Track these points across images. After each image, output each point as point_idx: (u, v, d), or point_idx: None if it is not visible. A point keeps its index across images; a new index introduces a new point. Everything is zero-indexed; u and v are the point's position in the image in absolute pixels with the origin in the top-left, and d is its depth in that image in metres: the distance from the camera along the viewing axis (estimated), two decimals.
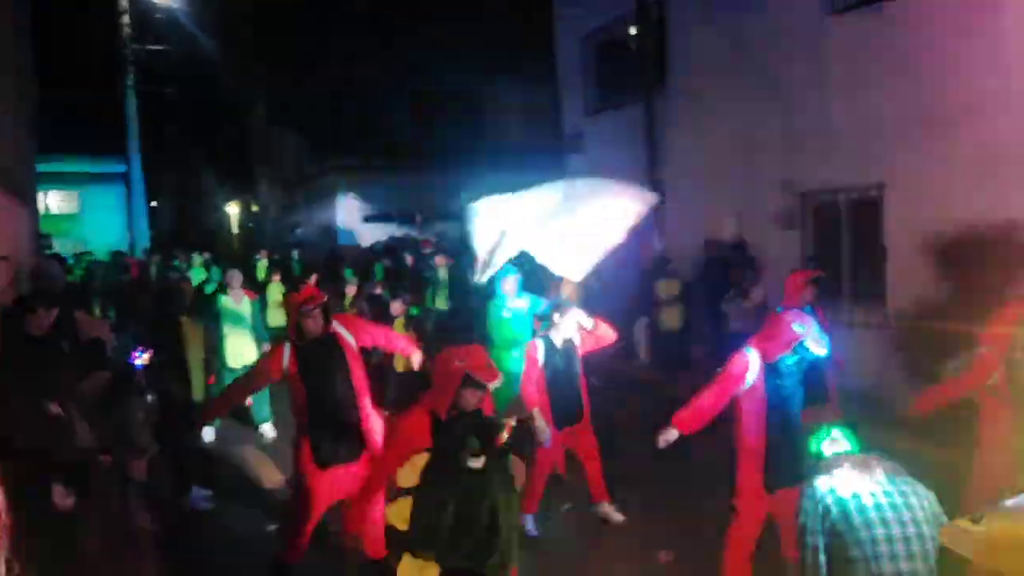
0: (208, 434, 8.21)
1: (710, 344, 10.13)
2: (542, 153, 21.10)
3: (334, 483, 4.81)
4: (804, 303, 6.21)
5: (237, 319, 8.26)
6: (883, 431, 6.10)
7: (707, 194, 11.29)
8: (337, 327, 5.00)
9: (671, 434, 4.72)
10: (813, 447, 3.54)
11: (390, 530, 2.90)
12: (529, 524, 5.71)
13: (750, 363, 4.47)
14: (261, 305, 9.37)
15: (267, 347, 7.55)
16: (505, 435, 3.00)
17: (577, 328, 5.78)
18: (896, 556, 3.01)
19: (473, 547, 2.71)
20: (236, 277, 8.53)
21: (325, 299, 5.02)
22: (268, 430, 8.40)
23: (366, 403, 4.96)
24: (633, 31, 12.56)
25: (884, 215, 8.92)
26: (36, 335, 4.97)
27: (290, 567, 4.93)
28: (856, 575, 3.06)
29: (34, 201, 11.84)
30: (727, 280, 9.82)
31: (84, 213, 24.69)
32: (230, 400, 5.93)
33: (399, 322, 8.96)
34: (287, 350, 4.89)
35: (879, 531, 3.05)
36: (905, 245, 8.57)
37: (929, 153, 8.19)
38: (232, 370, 8.14)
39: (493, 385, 3.22)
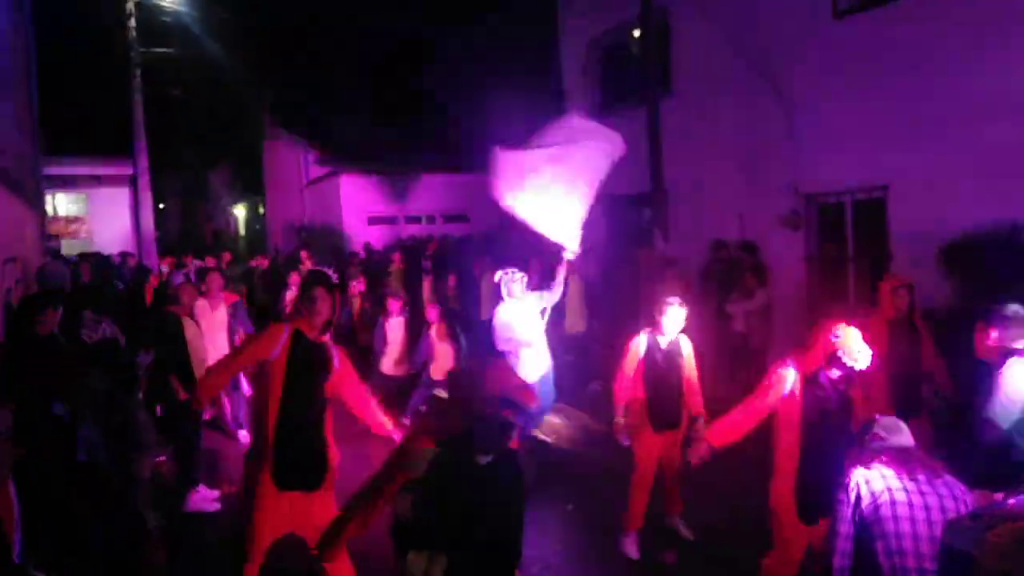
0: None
1: (715, 345, 10.16)
2: None
3: (292, 510, 4.23)
4: (898, 311, 5.87)
5: (212, 325, 7.80)
6: None
7: (711, 196, 11.29)
8: (329, 342, 4.41)
9: (702, 448, 4.40)
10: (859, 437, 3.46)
11: (398, 522, 2.86)
12: (631, 546, 5.45)
13: (786, 376, 4.19)
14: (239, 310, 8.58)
15: None
16: (515, 435, 2.98)
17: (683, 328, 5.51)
18: (921, 555, 3.03)
19: (479, 541, 2.69)
20: (215, 280, 8.13)
21: (336, 282, 4.42)
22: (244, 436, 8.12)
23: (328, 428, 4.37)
24: (637, 35, 12.57)
25: (889, 216, 8.92)
26: (43, 335, 5.01)
27: None
28: (880, 567, 3.08)
29: (41, 203, 11.89)
30: (731, 281, 9.83)
31: (92, 215, 24.76)
32: (215, 380, 4.56)
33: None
34: (286, 331, 4.21)
35: (905, 527, 3.07)
36: (909, 246, 8.56)
37: (934, 154, 8.18)
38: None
39: (531, 408, 2.94)
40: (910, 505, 3.10)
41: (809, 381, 4.12)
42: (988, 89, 7.68)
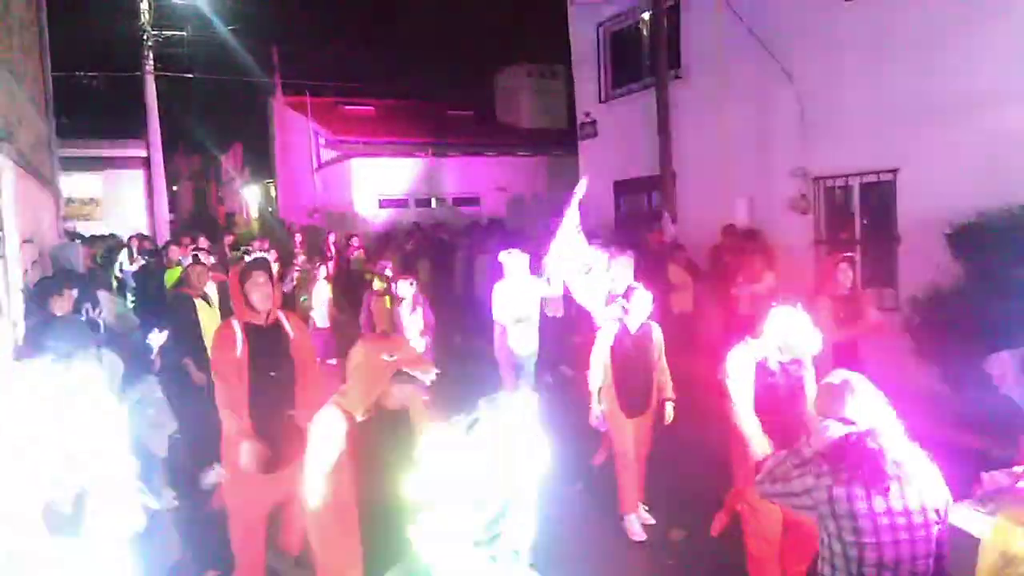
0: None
1: (720, 328, 10.19)
2: (556, 139, 21.15)
3: (270, 489, 4.30)
4: (840, 288, 6.11)
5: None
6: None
7: (720, 179, 11.29)
8: (281, 317, 4.42)
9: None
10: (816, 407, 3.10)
11: (406, 499, 2.95)
12: (635, 526, 5.47)
13: (742, 359, 4.13)
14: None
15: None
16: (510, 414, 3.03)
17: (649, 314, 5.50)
18: (899, 542, 2.79)
19: (483, 519, 2.74)
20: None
21: (272, 260, 4.54)
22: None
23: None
24: (647, 18, 12.54)
25: (897, 199, 8.91)
26: (59, 316, 5.11)
27: None
28: (859, 562, 2.81)
29: (57, 185, 11.97)
30: (739, 264, 9.83)
31: (106, 197, 24.89)
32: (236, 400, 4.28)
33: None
34: (237, 328, 4.24)
35: (884, 520, 2.80)
36: (917, 229, 8.56)
37: (942, 137, 8.17)
38: None
39: (429, 379, 2.98)
40: (889, 495, 2.77)
41: (760, 366, 4.05)
42: (997, 73, 7.66)
